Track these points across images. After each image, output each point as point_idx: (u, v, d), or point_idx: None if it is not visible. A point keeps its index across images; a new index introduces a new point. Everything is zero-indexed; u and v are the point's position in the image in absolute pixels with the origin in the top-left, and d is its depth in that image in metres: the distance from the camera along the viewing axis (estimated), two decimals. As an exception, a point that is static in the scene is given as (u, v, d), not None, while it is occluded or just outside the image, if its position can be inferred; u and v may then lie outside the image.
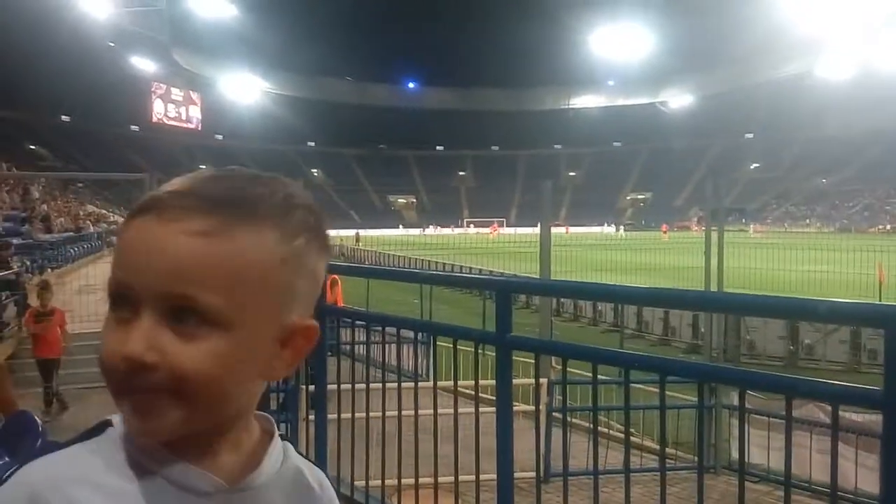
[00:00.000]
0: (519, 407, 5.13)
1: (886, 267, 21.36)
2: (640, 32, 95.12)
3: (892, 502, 1.61)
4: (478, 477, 2.71)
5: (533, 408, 7.15)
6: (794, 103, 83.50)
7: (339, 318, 3.84)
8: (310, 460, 0.74)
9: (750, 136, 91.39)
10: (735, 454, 7.77)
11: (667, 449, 7.24)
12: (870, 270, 21.46)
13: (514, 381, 2.67)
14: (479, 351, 2.59)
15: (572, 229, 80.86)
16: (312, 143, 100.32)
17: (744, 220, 69.33)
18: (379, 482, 3.28)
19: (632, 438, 7.14)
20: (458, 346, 2.79)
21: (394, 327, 3.04)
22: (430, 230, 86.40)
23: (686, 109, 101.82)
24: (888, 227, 64.36)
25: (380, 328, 3.35)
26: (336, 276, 11.87)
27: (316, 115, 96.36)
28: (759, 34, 79.13)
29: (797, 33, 79.20)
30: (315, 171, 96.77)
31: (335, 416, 3.48)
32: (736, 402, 7.54)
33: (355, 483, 3.33)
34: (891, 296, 18.44)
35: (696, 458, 7.81)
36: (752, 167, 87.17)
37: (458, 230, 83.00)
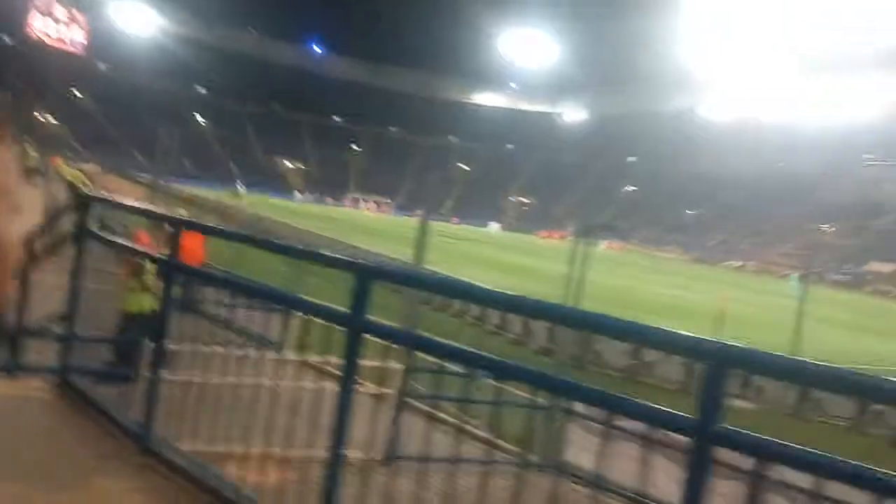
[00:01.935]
0: (370, 389, 5.15)
1: (730, 300, 23.16)
2: (548, 43, 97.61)
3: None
4: (312, 452, 2.68)
5: (389, 391, 7.18)
6: (676, 136, 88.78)
7: (191, 277, 3.67)
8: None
9: (633, 159, 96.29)
10: (567, 457, 8.18)
11: (507, 444, 7.51)
12: (715, 301, 23.18)
13: (377, 364, 2.67)
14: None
15: (458, 223, 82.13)
16: (203, 90, 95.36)
17: (613, 237, 73.05)
18: (208, 449, 3.17)
19: (480, 433, 7.34)
20: (322, 322, 2.73)
21: (243, 293, 2.93)
22: (304, 198, 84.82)
23: (579, 124, 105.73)
24: (739, 263, 69.96)
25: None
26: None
27: (211, 62, 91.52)
28: (656, 65, 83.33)
29: (690, 71, 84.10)
30: (201, 118, 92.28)
31: (181, 378, 3.34)
32: (574, 406, 7.94)
33: (181, 447, 3.20)
34: (731, 326, 20.06)
35: (530, 456, 8.16)
36: (629, 189, 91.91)
37: (333, 205, 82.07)
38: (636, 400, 1.93)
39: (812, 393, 13.99)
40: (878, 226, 73.16)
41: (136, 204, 3.79)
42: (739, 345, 1.80)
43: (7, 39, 76.27)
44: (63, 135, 70.05)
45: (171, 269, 3.29)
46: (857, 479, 1.56)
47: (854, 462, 1.59)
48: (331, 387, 2.70)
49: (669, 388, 14.60)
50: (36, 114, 70.56)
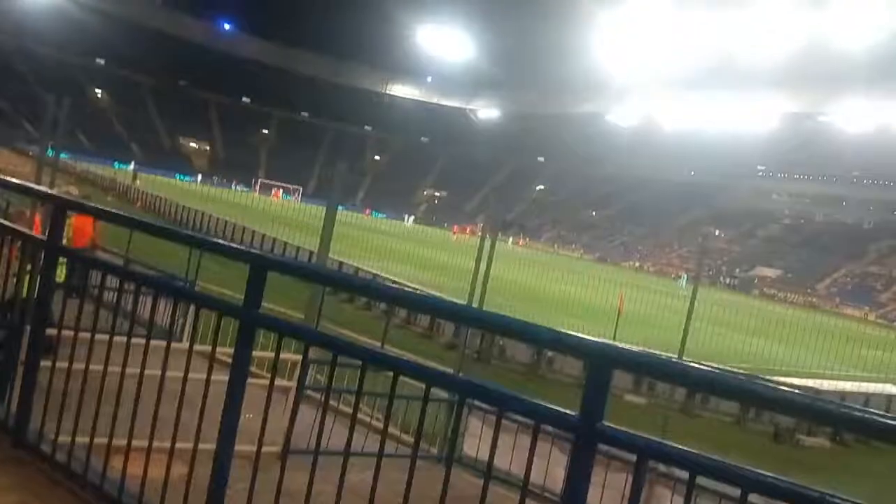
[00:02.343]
0: (279, 383, 5.04)
1: (627, 299, 24.12)
2: (464, 40, 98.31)
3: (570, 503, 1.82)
4: (196, 445, 2.60)
5: (288, 383, 7.04)
6: (585, 138, 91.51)
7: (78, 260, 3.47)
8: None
9: (541, 159, 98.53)
10: (468, 449, 8.33)
11: (406, 437, 7.51)
12: (613, 299, 24.09)
13: (263, 354, 2.60)
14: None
15: (369, 214, 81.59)
16: (101, 61, 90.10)
17: (521, 235, 74.64)
18: (91, 441, 3.00)
19: (380, 425, 7.31)
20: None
21: (133, 282, 2.80)
22: (211, 181, 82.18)
23: (492, 121, 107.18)
24: (637, 264, 72.98)
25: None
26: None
27: (113, 32, 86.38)
28: (569, 69, 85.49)
29: (600, 76, 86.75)
30: (99, 91, 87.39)
31: (62, 365, 3.14)
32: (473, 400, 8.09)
33: (59, 441, 3.02)
34: (626, 324, 20.91)
35: (431, 449, 8.25)
36: (538, 188, 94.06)
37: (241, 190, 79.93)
38: (524, 398, 1.98)
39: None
40: (766, 233, 78.11)
41: (15, 180, 3.53)
42: (624, 345, 1.88)
43: None
44: (-57, 101, 64.79)
45: (50, 251, 3.10)
46: (725, 474, 1.66)
47: (723, 460, 1.69)
48: (225, 378, 2.62)
49: (568, 381, 15.09)
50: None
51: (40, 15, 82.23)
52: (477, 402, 8.10)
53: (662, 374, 1.90)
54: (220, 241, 2.62)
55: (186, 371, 2.70)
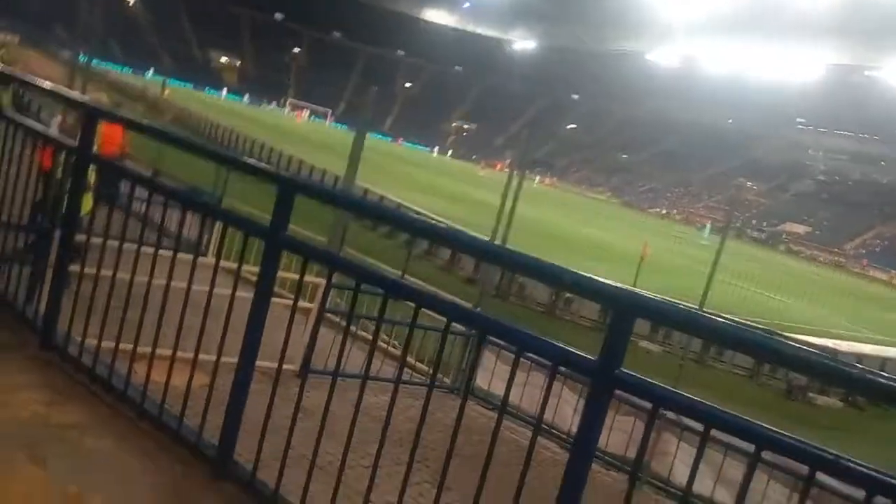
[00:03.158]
0: (302, 304, 5.12)
1: (651, 246, 23.96)
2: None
3: (581, 445, 1.86)
4: (219, 357, 2.66)
5: (310, 305, 7.14)
6: (621, 77, 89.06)
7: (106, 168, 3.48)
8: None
9: (576, 96, 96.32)
10: (480, 382, 8.48)
11: (422, 366, 7.65)
12: (637, 245, 23.96)
13: (287, 275, 2.62)
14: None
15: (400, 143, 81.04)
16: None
17: (549, 174, 73.80)
18: (112, 346, 3.07)
19: (396, 352, 7.44)
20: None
21: (157, 192, 2.80)
22: (243, 98, 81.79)
23: (528, 53, 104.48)
24: (664, 211, 72.17)
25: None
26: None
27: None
28: (610, 3, 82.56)
29: (643, 13, 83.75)
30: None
31: (89, 272, 3.19)
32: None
33: (85, 344, 3.09)
34: (647, 271, 20.85)
35: (444, 379, 8.40)
36: (569, 126, 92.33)
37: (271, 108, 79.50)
38: (542, 338, 1.97)
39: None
40: (799, 188, 76.46)
41: (49, 85, 3.51)
42: (644, 293, 1.86)
43: None
44: (-23, -2, 64.32)
45: (80, 159, 3.10)
46: (740, 429, 1.66)
47: (736, 414, 1.69)
48: (250, 295, 2.66)
49: (585, 324, 15.18)
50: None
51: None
52: (492, 338, 8.20)
53: (685, 326, 1.88)
54: (249, 161, 2.61)
55: (212, 286, 2.73)
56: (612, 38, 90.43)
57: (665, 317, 1.82)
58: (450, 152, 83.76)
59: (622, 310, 1.82)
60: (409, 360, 7.42)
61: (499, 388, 7.87)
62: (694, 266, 24.92)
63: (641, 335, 14.73)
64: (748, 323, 17.58)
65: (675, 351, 14.89)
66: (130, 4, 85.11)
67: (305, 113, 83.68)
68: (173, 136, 2.88)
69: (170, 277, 2.86)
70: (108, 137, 10.78)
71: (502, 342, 6.71)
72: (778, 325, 19.11)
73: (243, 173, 2.58)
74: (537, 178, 69.28)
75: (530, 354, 2.02)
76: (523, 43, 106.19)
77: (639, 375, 1.84)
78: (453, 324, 2.22)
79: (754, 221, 69.89)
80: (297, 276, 2.50)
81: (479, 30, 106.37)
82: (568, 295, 15.51)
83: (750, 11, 73.11)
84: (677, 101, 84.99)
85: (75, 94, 4.06)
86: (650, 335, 14.99)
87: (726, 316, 16.51)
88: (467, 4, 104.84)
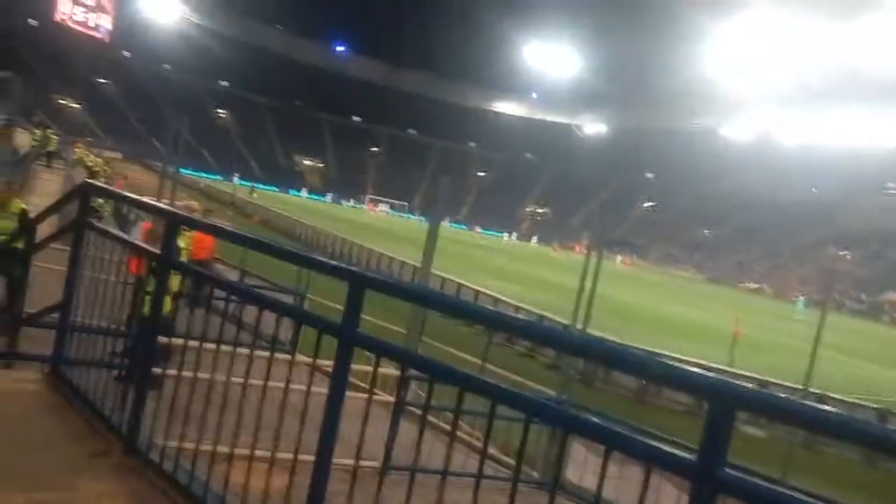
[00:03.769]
0: (377, 396, 5.05)
1: (743, 322, 22.86)
2: (570, 55, 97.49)
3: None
4: (296, 456, 2.61)
5: (390, 398, 7.05)
6: (696, 154, 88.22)
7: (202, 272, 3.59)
8: None
9: (650, 175, 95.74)
10: (570, 475, 8.05)
11: (507, 458, 7.34)
12: (727, 322, 22.91)
13: (381, 371, 2.59)
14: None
15: (478, 231, 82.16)
16: (226, 83, 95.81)
17: (627, 253, 72.62)
18: (199, 448, 3.06)
19: (480, 445, 7.19)
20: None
21: (234, 294, 2.84)
22: (325, 198, 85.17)
23: (598, 137, 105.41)
24: (754, 285, 69.30)
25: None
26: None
27: (235, 56, 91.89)
28: (679, 83, 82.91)
29: (713, 90, 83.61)
30: (222, 111, 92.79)
31: (179, 374, 3.25)
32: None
33: (167, 448, 3.10)
34: (742, 349, 19.82)
35: (532, 473, 8.03)
36: (646, 205, 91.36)
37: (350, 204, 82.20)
38: (634, 437, 1.81)
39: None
40: (895, 255, 72.21)
41: (135, 195, 3.71)
42: (743, 382, 1.69)
43: (33, 22, 77.04)
44: (85, 121, 70.70)
45: (161, 264, 3.21)
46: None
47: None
48: (351, 395, 2.63)
49: (680, 409, 14.39)
50: (59, 99, 71.30)
51: (169, 40, 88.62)
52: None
53: (791, 418, 1.68)
54: (320, 258, 2.62)
55: (287, 382, 2.72)
56: (682, 116, 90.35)
57: (769, 408, 1.64)
58: (534, 238, 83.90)
59: (721, 402, 1.65)
60: (494, 452, 7.15)
61: (590, 482, 7.43)
62: (791, 342, 23.56)
63: (742, 419, 13.82)
64: (858, 402, 16.29)
65: (780, 435, 13.86)
66: (222, 116, 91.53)
67: (379, 206, 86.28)
68: (246, 238, 2.94)
69: (247, 376, 2.87)
70: (200, 243, 11.34)
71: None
72: (890, 402, 17.62)
73: (316, 271, 2.58)
74: (619, 258, 68.28)
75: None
76: (593, 127, 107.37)
77: (745, 477, 1.64)
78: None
79: (852, 292, 66.05)
80: (379, 370, 2.47)
81: (549, 117, 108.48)
82: (657, 379, 14.83)
83: (823, 81, 71.89)
84: (755, 174, 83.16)
85: (159, 204, 4.27)
86: (752, 419, 14.04)
87: (834, 396, 15.36)
88: (535, 94, 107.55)
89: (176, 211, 3.62)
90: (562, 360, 13.17)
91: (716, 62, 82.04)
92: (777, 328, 29.91)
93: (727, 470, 1.63)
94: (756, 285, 69.68)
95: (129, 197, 3.68)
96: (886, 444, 1.51)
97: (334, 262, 2.55)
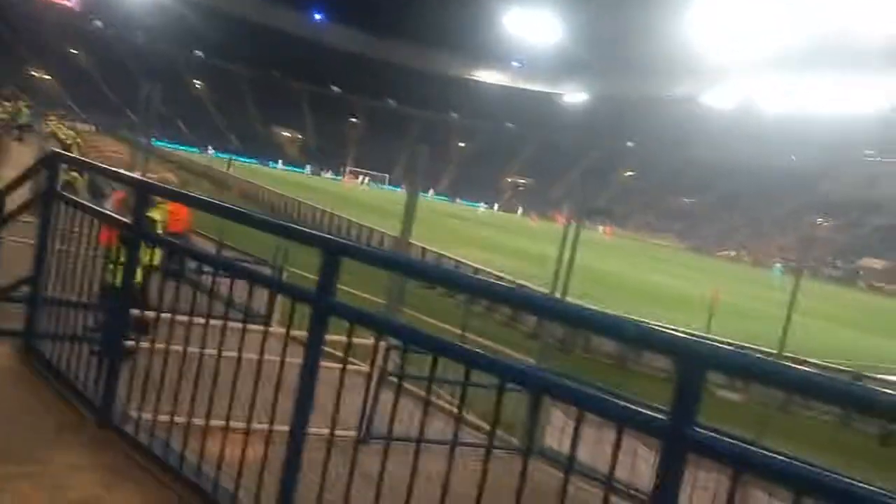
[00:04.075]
0: (355, 367, 5.05)
1: (722, 291, 23.13)
2: (551, 22, 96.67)
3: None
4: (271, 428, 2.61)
5: (364, 368, 7.05)
6: (677, 122, 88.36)
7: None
8: None
9: (631, 144, 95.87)
10: (550, 441, 8.16)
11: (485, 425, 7.42)
12: (706, 290, 23.16)
13: (358, 340, 2.57)
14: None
15: (457, 202, 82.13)
16: (201, 53, 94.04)
17: (608, 222, 73.00)
18: (175, 420, 3.05)
19: (456, 412, 7.24)
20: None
21: (205, 263, 2.80)
22: (305, 169, 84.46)
23: (580, 106, 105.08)
24: (733, 253, 70.06)
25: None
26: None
27: (211, 25, 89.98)
28: (660, 51, 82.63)
29: (694, 58, 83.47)
30: (198, 81, 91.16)
31: (152, 347, 3.22)
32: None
33: (140, 422, 3.08)
34: (720, 317, 20.08)
35: (513, 440, 8.13)
36: (627, 174, 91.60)
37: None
38: (605, 397, 1.82)
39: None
40: (874, 222, 73.25)
41: (105, 165, 3.63)
42: (716, 343, 1.69)
43: (2, -7, 74.87)
44: (57, 92, 69.17)
45: (133, 235, 3.15)
46: (836, 494, 1.45)
47: (832, 474, 1.48)
48: (329, 365, 2.62)
49: (661, 376, 14.58)
50: (31, 71, 69.64)
51: (143, 8, 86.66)
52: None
53: (761, 377, 1.69)
54: (294, 226, 2.58)
55: (262, 353, 2.71)
56: (663, 84, 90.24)
57: (739, 368, 1.64)
58: (519, 209, 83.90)
59: (691, 362, 1.66)
60: (474, 420, 7.20)
61: (569, 447, 7.53)
62: (769, 309, 23.90)
63: (719, 384, 14.06)
64: (832, 366, 16.61)
65: (757, 399, 14.13)
66: (198, 87, 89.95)
67: (358, 178, 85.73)
68: (214, 204, 2.89)
69: (220, 346, 2.85)
70: (175, 215, 11.18)
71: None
72: (864, 365, 17.99)
73: (287, 238, 2.55)
74: (600, 228, 68.63)
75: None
76: (574, 95, 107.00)
77: (715, 435, 1.65)
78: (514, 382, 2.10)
79: (829, 259, 67.03)
80: (362, 341, 2.46)
81: (530, 86, 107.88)
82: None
83: (804, 47, 71.97)
84: (737, 141, 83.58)
85: (129, 174, 4.19)
86: (728, 383, 14.29)
87: (809, 360, 15.64)
88: (516, 63, 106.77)
89: (146, 180, 3.55)
90: (541, 329, 13.28)
91: (697, 29, 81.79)
92: (754, 295, 30.34)
93: (697, 429, 1.64)
94: (735, 253, 70.47)
95: (98, 166, 3.60)
96: (850, 399, 1.52)
97: (308, 230, 2.52)
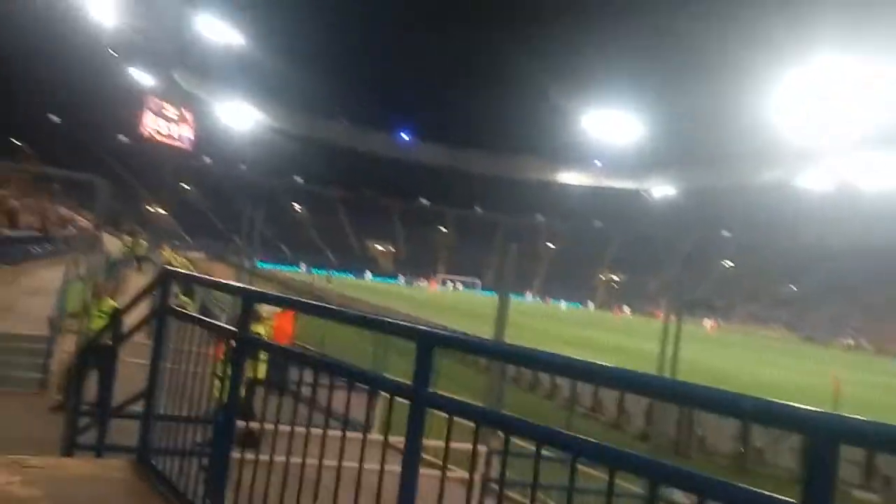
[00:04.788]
0: (456, 473, 4.89)
1: (843, 381, 21.46)
2: (631, 120, 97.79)
3: None
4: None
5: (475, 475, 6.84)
6: (772, 209, 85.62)
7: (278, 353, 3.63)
8: None
9: (727, 234, 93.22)
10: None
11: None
12: (825, 382, 21.55)
13: (457, 445, 2.49)
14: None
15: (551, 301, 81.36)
16: (300, 179, 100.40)
17: (711, 315, 70.02)
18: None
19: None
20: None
21: (305, 364, 2.85)
22: (398, 280, 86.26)
23: (668, 200, 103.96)
24: (851, 342, 65.24)
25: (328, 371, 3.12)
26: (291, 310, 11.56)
27: (306, 152, 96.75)
28: (746, 138, 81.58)
29: (781, 142, 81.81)
30: (297, 206, 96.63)
31: (257, 457, 3.25)
32: (682, 499, 7.33)
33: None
34: (842, 408, 18.48)
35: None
36: (726, 264, 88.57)
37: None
38: (729, 482, 1.67)
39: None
40: None
41: (209, 277, 3.84)
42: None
43: (123, 138, 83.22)
44: (171, 225, 74.78)
45: (239, 343, 3.26)
46: None
47: None
48: (425, 472, 2.54)
49: (781, 476, 13.43)
50: (148, 206, 75.94)
51: (246, 144, 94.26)
52: (681, 502, 7.35)
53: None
54: (386, 318, 2.61)
55: (361, 460, 2.65)
56: (752, 170, 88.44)
57: (873, 438, 1.48)
58: (601, 306, 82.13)
59: (823, 435, 1.51)
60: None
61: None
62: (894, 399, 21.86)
63: (853, 483, 12.76)
64: None
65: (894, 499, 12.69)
66: (297, 211, 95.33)
67: (442, 282, 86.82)
68: (310, 304, 2.97)
69: (321, 456, 2.83)
70: (280, 330, 11.62)
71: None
72: None
73: (382, 333, 2.57)
74: (706, 322, 65.91)
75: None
76: (661, 189, 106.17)
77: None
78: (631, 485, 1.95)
79: (964, 341, 61.28)
80: (462, 446, 2.38)
81: (614, 184, 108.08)
82: (759, 443, 13.94)
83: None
84: (837, 223, 79.86)
85: (233, 283, 4.40)
86: (864, 482, 12.95)
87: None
88: (598, 162, 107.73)
89: (250, 288, 3.71)
90: (651, 428, 12.59)
91: (783, 112, 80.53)
92: (878, 384, 27.90)
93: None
94: (853, 341, 65.61)
95: (205, 278, 3.81)
96: None
97: (401, 322, 2.53)
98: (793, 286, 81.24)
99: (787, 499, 1.54)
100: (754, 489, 1.60)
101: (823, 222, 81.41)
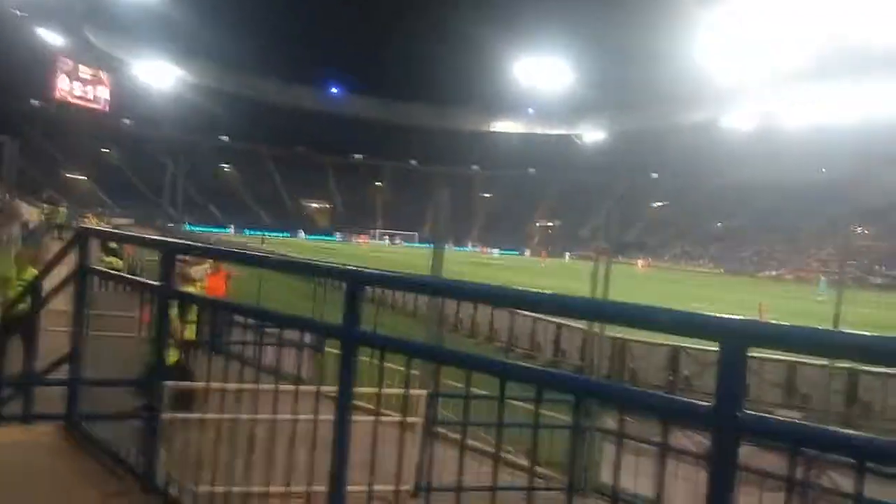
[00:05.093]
0: (395, 418, 4.95)
1: (766, 309, 22.56)
2: (561, 66, 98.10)
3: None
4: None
5: (414, 419, 6.95)
6: (699, 149, 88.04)
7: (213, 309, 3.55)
8: None
9: (655, 175, 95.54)
10: (605, 478, 7.87)
11: (539, 468, 7.22)
12: (751, 311, 22.61)
13: (392, 391, 2.50)
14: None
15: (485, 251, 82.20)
16: (226, 138, 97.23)
17: (643, 255, 72.24)
18: (220, 489, 3.00)
19: (504, 455, 7.08)
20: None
21: (236, 313, 2.80)
22: (337, 238, 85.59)
23: (598, 144, 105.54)
24: (774, 272, 68.51)
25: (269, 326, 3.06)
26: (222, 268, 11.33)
27: (233, 110, 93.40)
28: (673, 80, 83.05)
29: (708, 83, 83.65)
30: (226, 166, 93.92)
31: (189, 415, 3.21)
32: (610, 425, 7.65)
33: (185, 485, 3.04)
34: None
35: (567, 480, 7.87)
36: (655, 205, 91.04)
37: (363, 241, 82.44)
38: (651, 392, 1.73)
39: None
40: (918, 225, 71.26)
41: (130, 232, 3.70)
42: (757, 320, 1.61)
43: (36, 102, 78.74)
44: (93, 191, 71.69)
45: (163, 295, 3.17)
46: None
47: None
48: (362, 418, 2.54)
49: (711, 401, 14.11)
50: (67, 173, 72.50)
51: (167, 103, 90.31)
52: (608, 427, 7.66)
53: (808, 345, 1.60)
54: (317, 262, 2.58)
55: (294, 412, 2.66)
56: (679, 112, 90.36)
57: (782, 339, 1.56)
58: (537, 252, 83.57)
59: (734, 340, 1.57)
60: (510, 458, 6.96)
61: (629, 483, 7.26)
62: (815, 323, 23.11)
63: (775, 402, 13.55)
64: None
65: (815, 415, 13.55)
66: (226, 171, 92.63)
67: (370, 238, 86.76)
68: (247, 255, 2.91)
69: (255, 409, 2.82)
70: (212, 292, 11.36)
71: (617, 429, 6.23)
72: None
73: (312, 275, 2.54)
74: (638, 262, 67.94)
75: (653, 438, 1.77)
76: (592, 135, 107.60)
77: (766, 416, 1.56)
78: (563, 417, 2.01)
79: (876, 267, 65.15)
80: (399, 391, 2.39)
81: (547, 131, 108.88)
82: (687, 371, 14.60)
83: (825, 55, 71.56)
84: (762, 161, 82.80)
85: (155, 237, 4.26)
86: (785, 400, 13.77)
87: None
88: (531, 110, 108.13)
89: (172, 240, 3.60)
90: (585, 364, 13.02)
91: (707, 52, 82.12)
92: (799, 310, 29.49)
93: (747, 412, 1.55)
94: (777, 272, 68.93)
95: (127, 235, 3.67)
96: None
97: (330, 265, 2.50)
98: (720, 223, 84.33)
99: (703, 403, 1.61)
100: (673, 396, 1.66)
101: (748, 161, 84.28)
